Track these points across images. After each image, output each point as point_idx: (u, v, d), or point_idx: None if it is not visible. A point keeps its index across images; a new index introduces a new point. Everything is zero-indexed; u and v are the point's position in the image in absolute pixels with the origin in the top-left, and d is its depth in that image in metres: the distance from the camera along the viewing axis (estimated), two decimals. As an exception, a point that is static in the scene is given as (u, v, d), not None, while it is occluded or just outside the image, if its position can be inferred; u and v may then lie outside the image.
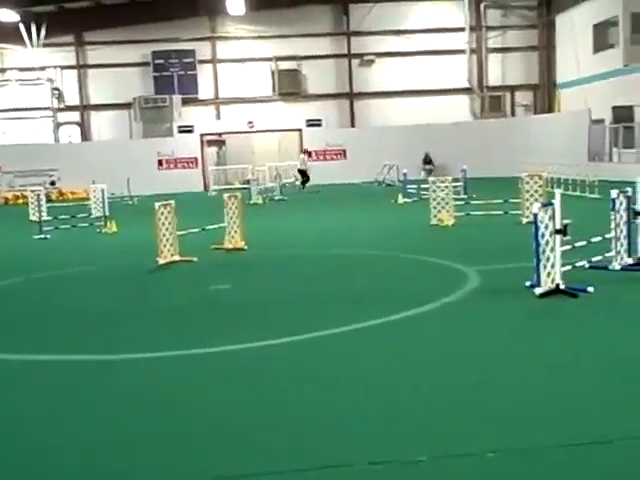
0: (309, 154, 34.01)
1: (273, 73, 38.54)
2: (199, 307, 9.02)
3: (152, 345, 7.22)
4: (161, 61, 37.74)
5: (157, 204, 12.16)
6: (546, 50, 38.79)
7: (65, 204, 28.88)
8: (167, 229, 12.22)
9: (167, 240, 12.21)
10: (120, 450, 4.66)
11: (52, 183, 34.36)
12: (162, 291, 10.47)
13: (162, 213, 12.18)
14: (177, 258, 12.34)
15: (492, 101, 39.06)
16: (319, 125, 37.16)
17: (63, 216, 19.59)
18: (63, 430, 5.06)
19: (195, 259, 12.37)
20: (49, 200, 27.62)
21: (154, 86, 37.68)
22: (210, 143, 37.73)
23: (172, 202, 12.49)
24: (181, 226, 12.82)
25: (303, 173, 32.56)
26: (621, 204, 9.43)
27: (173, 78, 37.77)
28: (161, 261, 12.02)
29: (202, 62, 38.28)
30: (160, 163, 36.37)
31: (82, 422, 5.19)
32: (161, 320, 8.43)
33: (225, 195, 14.01)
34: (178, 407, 5.42)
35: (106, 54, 37.43)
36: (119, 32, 37.08)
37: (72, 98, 38.46)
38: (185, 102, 37.69)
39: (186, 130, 36.70)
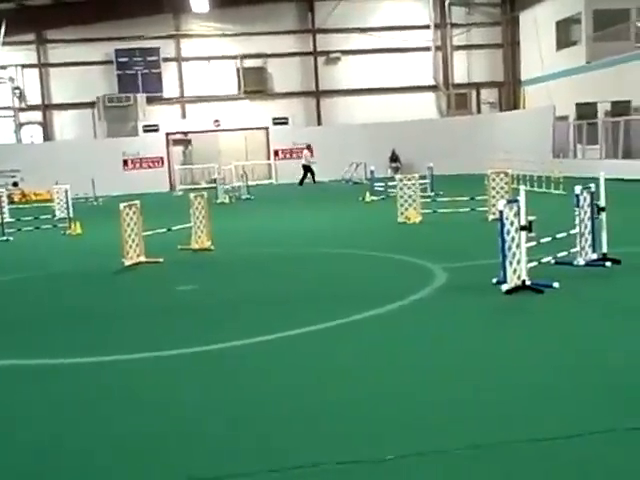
0: (309, 149, 33.82)
1: (238, 71, 38.36)
2: (166, 308, 8.92)
3: (120, 347, 7.12)
4: (125, 59, 37.33)
5: (122, 205, 12.02)
6: (510, 47, 39.13)
7: (28, 205, 28.48)
8: (132, 230, 12.08)
9: (133, 241, 12.08)
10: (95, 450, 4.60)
11: (14, 184, 33.82)
12: (128, 293, 10.35)
13: (127, 214, 12.04)
14: (143, 259, 12.21)
15: (458, 98, 39.31)
16: (286, 123, 37.08)
17: (26, 218, 19.30)
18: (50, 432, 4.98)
19: (161, 260, 12.25)
20: (11, 202, 27.21)
21: (118, 85, 37.27)
22: (176, 142, 37.45)
23: (137, 202, 12.35)
24: (147, 226, 12.70)
25: (307, 168, 32.60)
26: (585, 200, 9.51)
27: (137, 76, 37.39)
28: (127, 262, 11.88)
29: (166, 60, 37.97)
30: (125, 163, 36.01)
31: (54, 425, 5.11)
32: (127, 322, 8.33)
33: (191, 195, 13.89)
34: (149, 408, 5.36)
35: (68, 52, 36.92)
36: (81, 30, 36.59)
37: (34, 97, 37.90)
38: (150, 101, 37.35)
39: (151, 129, 36.37)
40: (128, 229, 11.97)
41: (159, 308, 8.97)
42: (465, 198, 16.48)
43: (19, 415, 5.45)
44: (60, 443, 4.82)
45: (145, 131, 36.36)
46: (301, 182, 32.67)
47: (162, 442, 4.72)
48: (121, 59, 37.31)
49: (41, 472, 4.43)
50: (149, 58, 37.48)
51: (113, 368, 6.49)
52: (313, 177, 32.85)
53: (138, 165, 36.13)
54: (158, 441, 4.75)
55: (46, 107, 38.09)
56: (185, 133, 37.64)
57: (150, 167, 36.15)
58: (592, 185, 9.66)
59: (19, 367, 6.73)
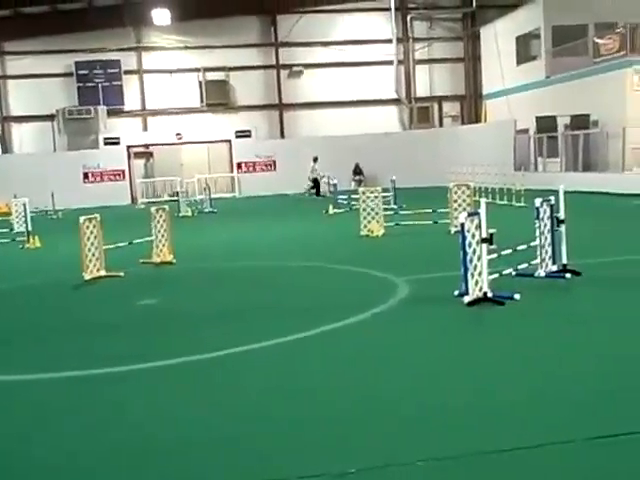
0: (316, 161, 33.58)
1: (201, 84, 38.22)
2: (126, 323, 8.79)
3: (78, 363, 6.98)
4: (85, 72, 36.94)
5: (82, 218, 11.85)
6: (472, 62, 39.61)
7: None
8: (92, 244, 11.91)
9: (93, 255, 11.91)
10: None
11: (-28, 197, 33.23)
12: (87, 307, 10.16)
13: (87, 227, 11.88)
14: (103, 273, 12.04)
15: (420, 112, 39.61)
16: (248, 136, 37.01)
17: (-17, 231, 18.97)
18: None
19: (122, 274, 12.09)
20: (-31, 215, 26.72)
21: (78, 97, 36.85)
22: (137, 155, 37.14)
23: (97, 216, 12.20)
24: (108, 240, 12.54)
25: (315, 181, 32.47)
26: (545, 212, 9.62)
27: (98, 89, 37.02)
28: (87, 277, 11.71)
29: (128, 73, 37.64)
30: (86, 176, 35.61)
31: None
32: (87, 337, 8.17)
33: (152, 208, 13.75)
34: (110, 425, 5.26)
35: (27, 64, 36.43)
36: (41, 42, 36.13)
37: (-8, 110, 37.34)
38: (111, 113, 37.01)
39: (112, 142, 36.00)
40: (88, 243, 11.80)
41: (119, 323, 8.82)
42: (427, 211, 16.57)
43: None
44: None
45: (106, 144, 35.98)
46: (317, 193, 32.79)
47: (121, 460, 4.64)
48: (81, 71, 36.91)
49: None
50: (110, 70, 37.15)
51: (74, 383, 6.37)
52: (318, 190, 32.73)
53: (99, 178, 35.74)
54: (116, 459, 4.67)
55: (4, 119, 37.51)
56: (147, 146, 37.36)
57: (111, 180, 35.79)
58: (552, 198, 9.77)
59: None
